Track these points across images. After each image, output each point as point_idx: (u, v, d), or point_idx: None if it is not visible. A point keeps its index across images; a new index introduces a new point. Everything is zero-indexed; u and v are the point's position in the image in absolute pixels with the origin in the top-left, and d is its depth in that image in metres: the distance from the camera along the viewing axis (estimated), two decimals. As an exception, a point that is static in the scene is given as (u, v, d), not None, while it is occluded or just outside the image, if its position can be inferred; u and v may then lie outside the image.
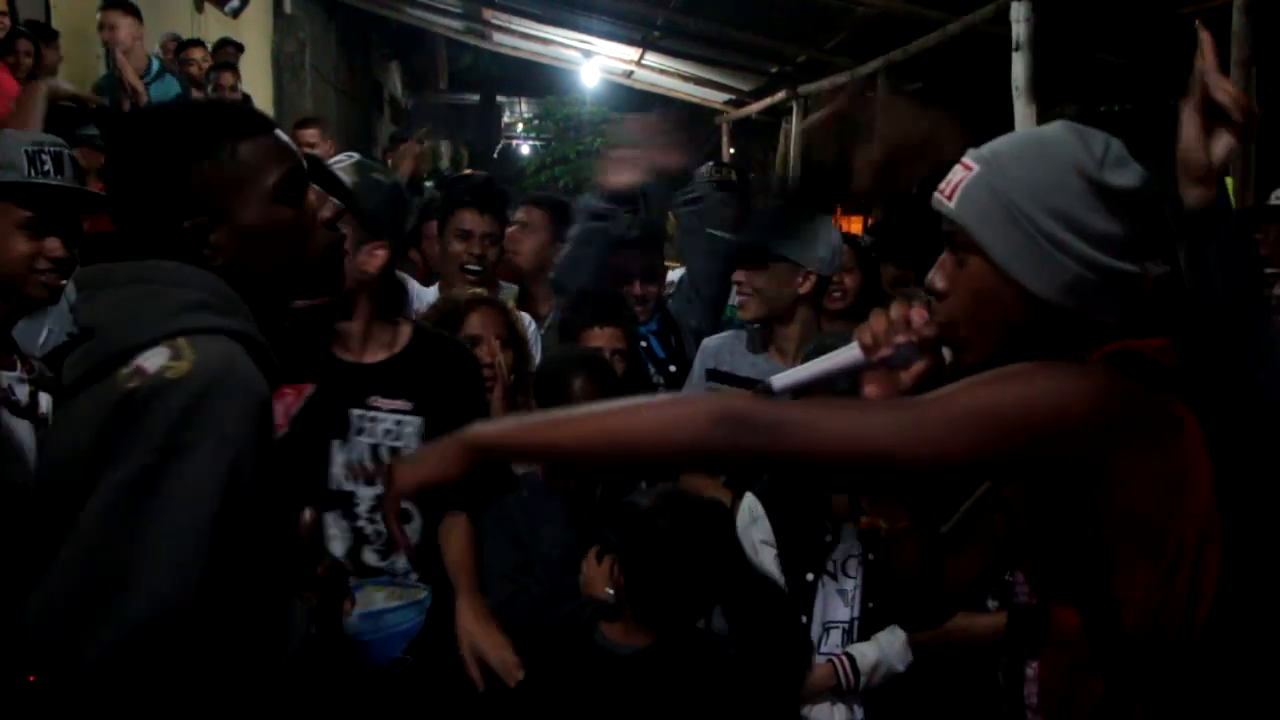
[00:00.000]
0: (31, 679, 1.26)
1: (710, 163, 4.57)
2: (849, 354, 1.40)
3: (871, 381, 1.40)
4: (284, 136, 1.49)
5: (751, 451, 1.18)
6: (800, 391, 1.43)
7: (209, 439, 1.27)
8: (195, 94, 6.29)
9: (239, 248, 1.42)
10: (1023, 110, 5.19)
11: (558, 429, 1.28)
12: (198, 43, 6.94)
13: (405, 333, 2.28)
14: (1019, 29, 5.18)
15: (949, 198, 1.31)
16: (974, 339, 1.32)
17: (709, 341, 2.95)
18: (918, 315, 1.35)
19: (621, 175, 3.17)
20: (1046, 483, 1.28)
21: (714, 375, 2.84)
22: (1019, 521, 1.39)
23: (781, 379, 1.42)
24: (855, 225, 5.69)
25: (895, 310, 1.37)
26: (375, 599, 2.08)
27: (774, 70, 9.18)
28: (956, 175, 1.32)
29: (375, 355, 2.21)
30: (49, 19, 5.84)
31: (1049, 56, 5.55)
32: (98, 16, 5.74)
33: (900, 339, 1.36)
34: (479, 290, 2.81)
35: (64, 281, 2.08)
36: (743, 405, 1.20)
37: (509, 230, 3.38)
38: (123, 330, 1.36)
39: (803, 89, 8.87)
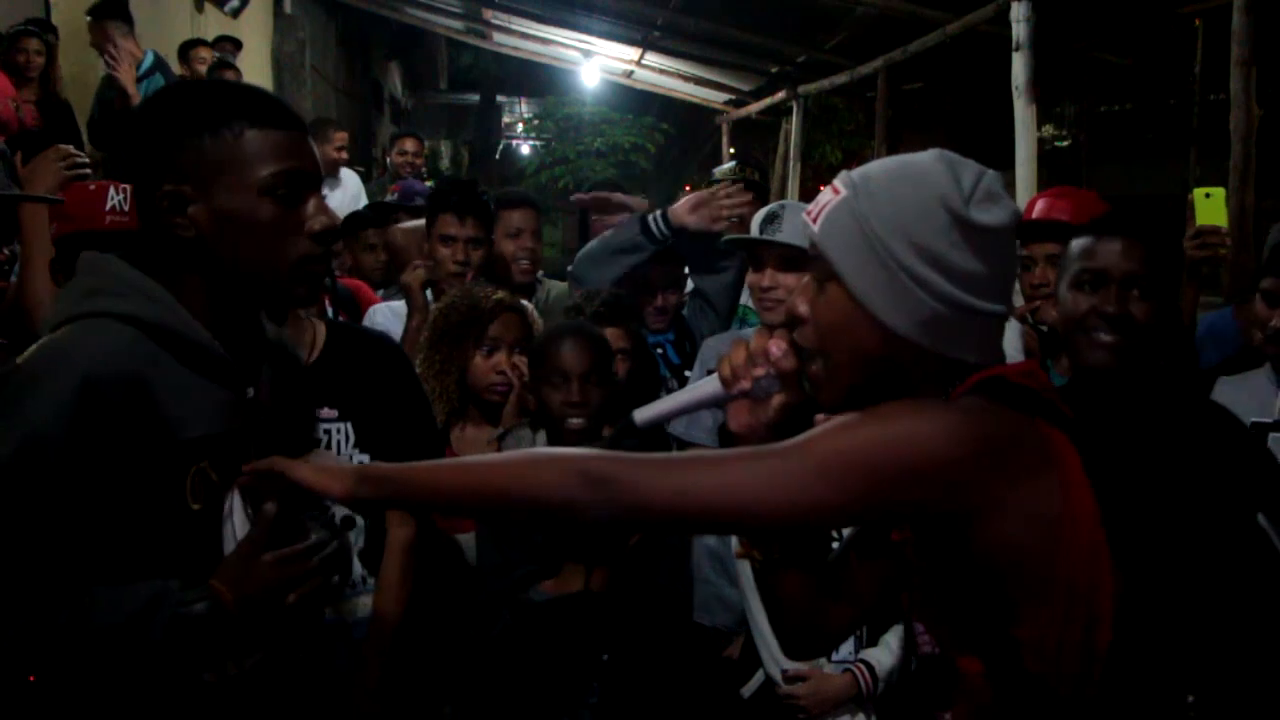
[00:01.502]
0: (31, 679, 1.26)
1: (733, 161, 4.55)
2: (709, 386, 1.39)
3: (735, 413, 1.38)
4: (306, 140, 1.47)
5: (616, 510, 1.17)
6: (662, 424, 1.45)
7: (11, 421, 1.29)
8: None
9: (211, 227, 1.41)
10: (1023, 110, 5.19)
11: (438, 478, 1.30)
12: (201, 41, 6.94)
13: (320, 333, 2.15)
14: (1019, 29, 5.17)
15: (814, 220, 1.28)
16: (829, 370, 1.28)
17: (710, 341, 2.95)
18: (775, 348, 1.32)
19: (698, 216, 3.07)
20: (927, 527, 1.24)
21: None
22: (911, 568, 1.34)
23: (643, 412, 1.42)
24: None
25: (755, 342, 1.36)
26: (357, 610, 2.11)
27: (774, 70, 9.17)
28: (825, 198, 1.28)
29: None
30: (49, 17, 5.84)
31: (1049, 56, 5.55)
32: (86, 20, 5.75)
33: (759, 371, 1.33)
34: (502, 294, 2.78)
35: (6, 283, 2.09)
36: (606, 465, 1.18)
37: (518, 242, 3.43)
38: (47, 322, 1.42)
39: (803, 89, 8.87)
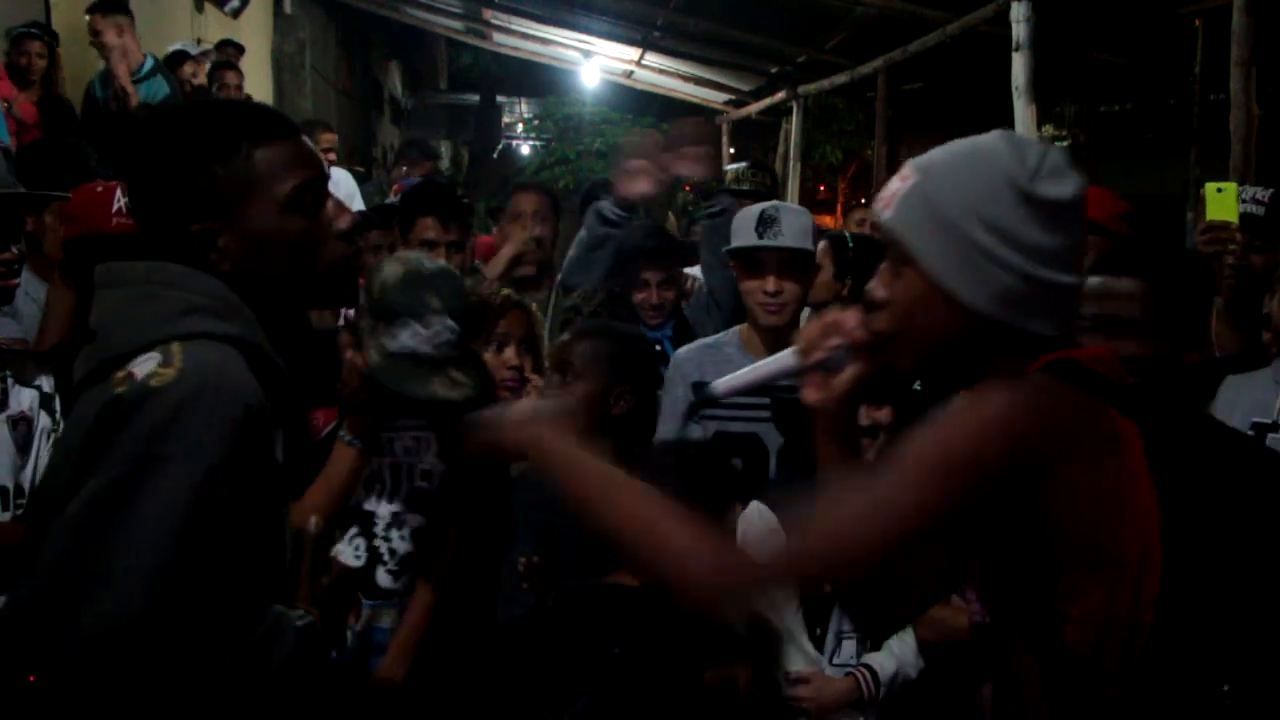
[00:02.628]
0: (31, 679, 1.26)
1: (745, 163, 4.54)
2: (786, 359, 1.44)
3: (810, 385, 1.42)
4: (307, 143, 1.47)
5: (745, 606, 1.28)
6: (742, 392, 1.48)
7: (182, 452, 1.25)
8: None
9: (246, 254, 1.40)
10: (1023, 110, 5.19)
11: (602, 493, 1.32)
12: (186, 56, 6.87)
13: None
14: (1019, 29, 5.17)
15: (886, 208, 1.32)
16: (907, 348, 1.33)
17: (681, 354, 2.87)
18: (851, 319, 1.37)
19: (637, 185, 3.15)
20: (994, 499, 1.27)
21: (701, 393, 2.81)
22: (968, 537, 1.37)
23: (723, 383, 1.48)
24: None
25: (830, 314, 1.40)
26: (383, 619, 2.15)
27: (774, 70, 9.17)
28: (894, 185, 1.33)
29: None
30: (49, 19, 5.85)
31: (1049, 56, 5.55)
32: (86, 19, 5.74)
33: (834, 343, 1.38)
34: (508, 292, 2.79)
35: (15, 281, 2.08)
36: (745, 567, 1.23)
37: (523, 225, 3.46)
38: (122, 332, 1.35)
39: (803, 89, 8.87)
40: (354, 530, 2.15)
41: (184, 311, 1.36)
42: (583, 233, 3.30)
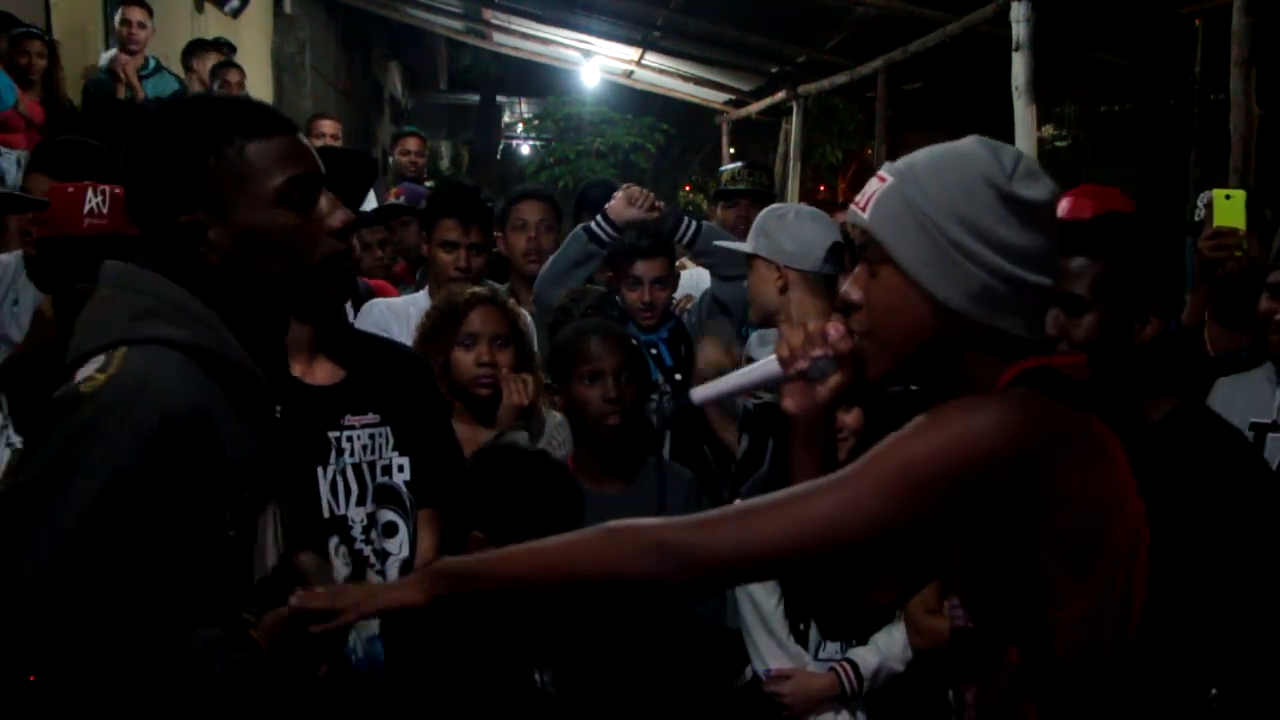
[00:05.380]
0: (31, 679, 1.26)
1: (740, 163, 4.54)
2: (767, 367, 1.43)
3: (791, 393, 1.41)
4: (302, 140, 1.47)
5: (696, 576, 1.21)
6: (720, 402, 1.47)
7: (94, 458, 1.26)
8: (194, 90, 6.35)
9: (236, 247, 1.40)
10: (1023, 110, 5.19)
11: (514, 564, 1.33)
12: (204, 42, 6.96)
13: (355, 343, 2.23)
14: (1019, 29, 5.17)
15: (863, 209, 1.33)
16: (883, 349, 1.33)
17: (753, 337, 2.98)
18: (834, 330, 1.37)
19: (633, 211, 3.18)
20: (981, 515, 1.26)
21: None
22: (954, 548, 1.38)
23: (701, 391, 1.47)
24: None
25: (813, 324, 1.39)
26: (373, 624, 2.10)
27: (774, 70, 9.17)
28: (872, 187, 1.34)
29: (336, 374, 2.16)
30: (49, 19, 5.86)
31: (1049, 56, 5.55)
32: (118, 14, 5.80)
33: (817, 353, 1.38)
34: (478, 289, 2.79)
35: None
36: (678, 534, 1.22)
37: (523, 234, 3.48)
38: (84, 334, 1.37)
39: (803, 89, 8.86)
40: (335, 539, 2.12)
41: (136, 316, 1.37)
42: (562, 248, 3.30)
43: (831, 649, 2.40)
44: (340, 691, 2.06)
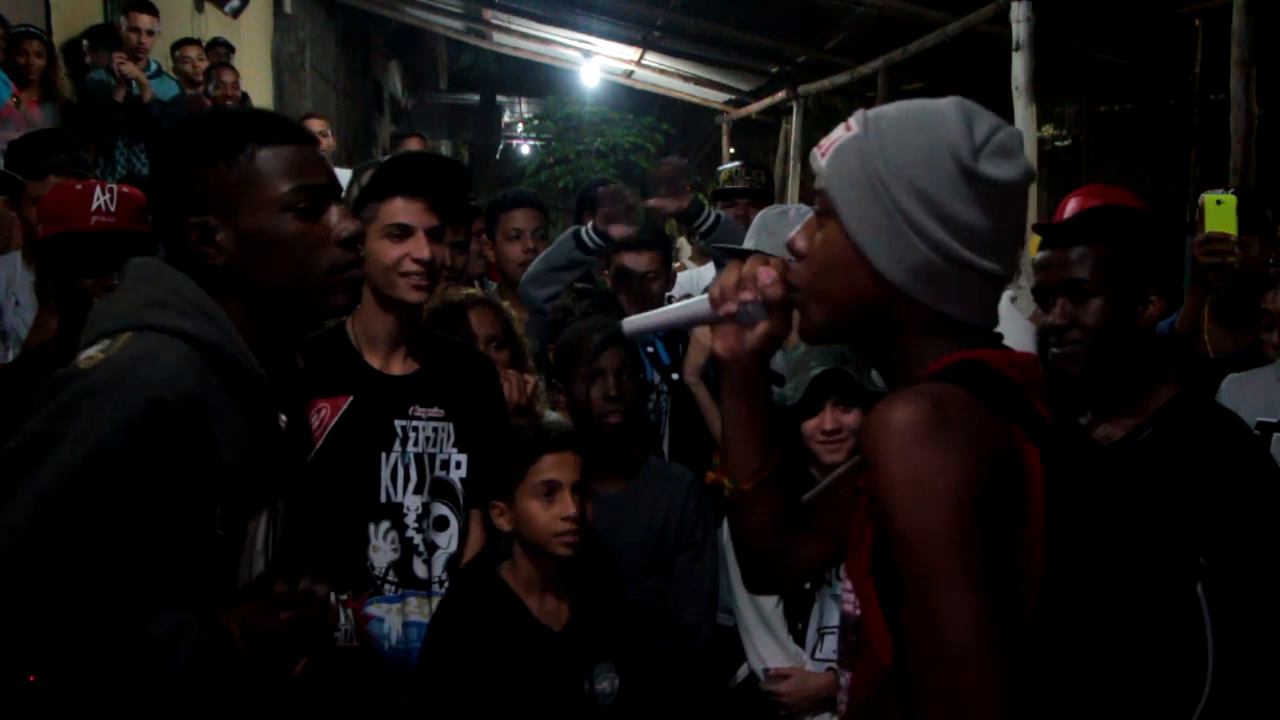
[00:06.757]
0: (31, 679, 1.26)
1: (739, 163, 4.54)
2: (699, 305, 1.37)
3: (721, 335, 1.35)
4: (316, 152, 1.49)
5: None
6: (649, 333, 1.40)
7: (76, 432, 1.28)
8: (191, 92, 6.36)
9: (242, 251, 1.43)
10: (1023, 110, 5.19)
11: None
12: (193, 41, 6.97)
13: (428, 341, 2.31)
14: (1019, 29, 5.18)
15: (823, 156, 1.23)
16: (816, 306, 1.25)
17: None
18: (765, 275, 1.28)
19: (623, 224, 3.20)
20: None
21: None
22: (855, 529, 1.26)
23: (632, 322, 1.43)
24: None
25: (747, 266, 1.31)
26: (422, 610, 2.15)
27: (774, 70, 9.17)
28: (836, 133, 1.24)
29: (409, 365, 2.24)
30: (49, 20, 5.86)
31: (1049, 56, 5.55)
32: (124, 19, 5.83)
33: (746, 296, 1.30)
34: (472, 290, 2.81)
35: None
36: None
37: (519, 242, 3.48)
38: (97, 320, 1.41)
39: (803, 89, 8.87)
40: (386, 524, 2.16)
41: (146, 305, 1.40)
42: (549, 251, 3.31)
43: (828, 649, 2.39)
44: (367, 681, 2.08)
